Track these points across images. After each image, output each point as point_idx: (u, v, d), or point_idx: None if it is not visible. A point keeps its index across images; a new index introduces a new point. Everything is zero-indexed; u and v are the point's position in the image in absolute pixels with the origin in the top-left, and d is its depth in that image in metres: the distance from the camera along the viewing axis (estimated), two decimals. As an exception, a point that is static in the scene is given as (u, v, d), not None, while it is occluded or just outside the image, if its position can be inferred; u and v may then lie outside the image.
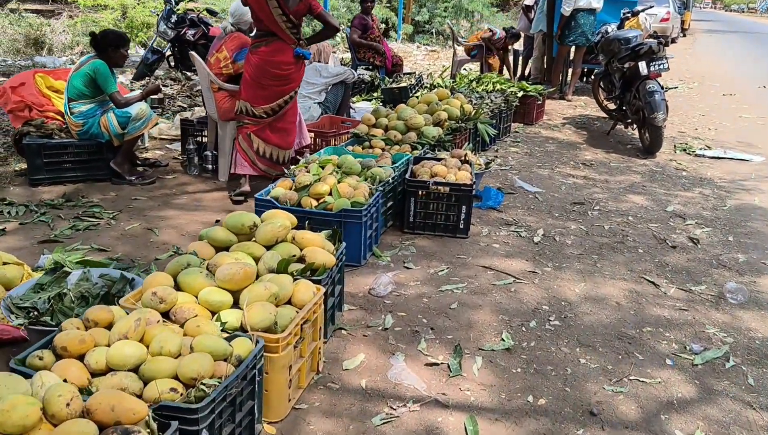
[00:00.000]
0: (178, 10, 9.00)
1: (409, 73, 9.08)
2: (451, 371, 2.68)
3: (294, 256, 2.74)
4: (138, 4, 15.04)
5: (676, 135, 7.60)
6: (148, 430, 1.68)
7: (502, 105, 6.83)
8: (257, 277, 2.63)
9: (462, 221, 4.11)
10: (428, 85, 8.01)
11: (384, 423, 2.35)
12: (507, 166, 5.94)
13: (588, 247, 4.12)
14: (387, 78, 8.56)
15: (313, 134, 5.47)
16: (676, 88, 10.11)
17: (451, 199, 4.08)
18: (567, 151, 6.67)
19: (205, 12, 9.50)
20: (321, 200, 3.66)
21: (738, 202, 5.20)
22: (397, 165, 4.42)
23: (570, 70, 9.96)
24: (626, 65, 6.67)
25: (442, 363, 2.74)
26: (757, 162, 6.54)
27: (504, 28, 10.06)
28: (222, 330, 2.23)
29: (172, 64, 9.59)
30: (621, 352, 2.90)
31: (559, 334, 3.03)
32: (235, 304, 2.40)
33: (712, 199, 5.24)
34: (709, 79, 12.75)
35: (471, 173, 4.34)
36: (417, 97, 7.12)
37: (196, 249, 2.73)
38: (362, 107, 8.03)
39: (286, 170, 4.20)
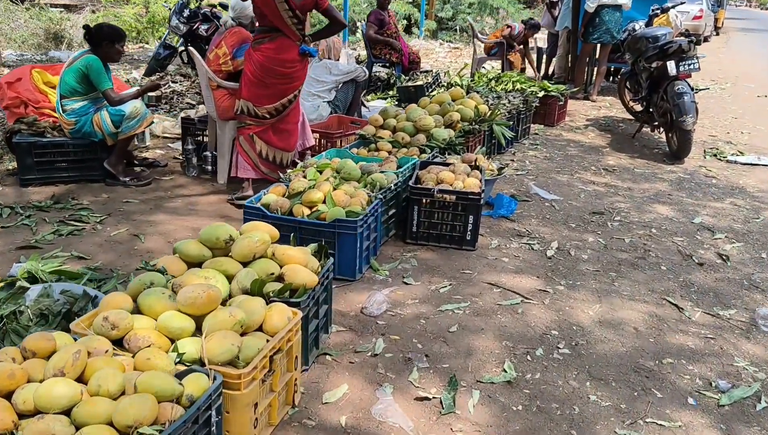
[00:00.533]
0: (192, 3, 8.81)
1: (426, 71, 8.78)
2: (443, 407, 2.39)
3: (272, 274, 2.48)
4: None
5: (706, 139, 7.19)
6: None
7: (521, 105, 6.49)
8: (229, 296, 2.38)
9: (469, 232, 3.81)
10: (445, 84, 7.71)
11: (362, 469, 2.08)
12: (523, 170, 5.61)
13: (605, 262, 3.79)
14: (403, 76, 8.28)
15: (318, 135, 5.21)
16: (707, 89, 9.62)
17: (458, 209, 3.78)
18: (589, 156, 6.32)
19: (218, 6, 9.29)
20: (314, 209, 3.39)
21: (772, 214, 4.82)
22: (401, 170, 4.14)
23: (595, 70, 9.55)
24: (654, 65, 6.28)
25: (434, 397, 2.45)
26: (793, 169, 6.12)
27: (522, 21, 9.70)
28: (179, 362, 1.98)
29: (185, 59, 9.40)
30: (637, 388, 2.59)
31: (568, 365, 2.72)
32: (199, 330, 2.15)
33: (744, 211, 4.86)
34: (743, 80, 12.21)
35: (481, 180, 4.04)
36: (429, 97, 6.85)
37: (165, 264, 2.49)
38: (377, 105, 7.75)
39: (281, 175, 3.94)
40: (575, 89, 8.81)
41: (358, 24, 10.24)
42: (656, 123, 6.56)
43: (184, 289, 2.16)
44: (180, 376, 1.85)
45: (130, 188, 4.63)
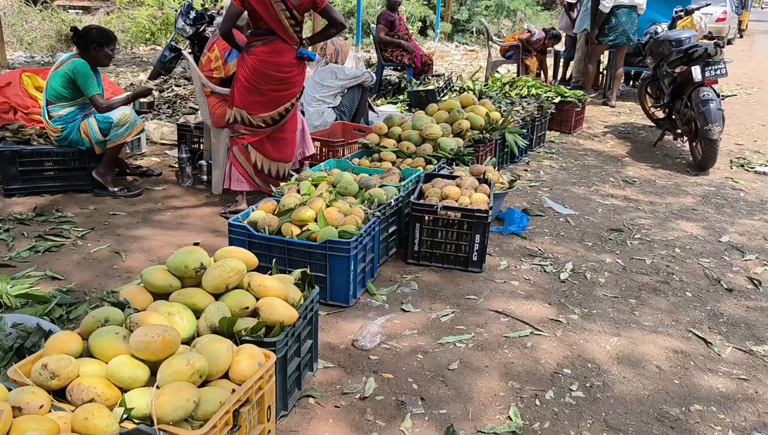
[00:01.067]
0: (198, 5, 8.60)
1: (438, 75, 8.48)
2: (437, 464, 2.10)
3: (246, 308, 2.20)
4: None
5: (732, 148, 6.81)
6: None
7: (536, 112, 6.17)
8: (197, 334, 2.11)
9: (475, 253, 3.51)
10: (457, 88, 7.41)
11: None
12: (537, 182, 5.29)
13: (625, 287, 3.47)
14: (414, 80, 7.99)
15: (319, 143, 4.94)
16: (734, 95, 9.20)
17: (463, 227, 3.48)
18: (607, 166, 5.98)
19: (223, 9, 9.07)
20: (304, 228, 3.11)
21: (807, 232, 4.45)
22: (404, 183, 3.85)
23: (607, 73, 9.23)
24: (677, 69, 5.93)
25: (427, 451, 2.16)
26: (827, 182, 5.73)
27: (544, 29, 9.35)
28: (127, 418, 1.71)
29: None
30: (661, 442, 2.28)
31: (582, 412, 2.41)
32: (156, 377, 1.87)
33: (775, 228, 4.51)
34: (770, 85, 11.77)
35: (489, 195, 3.73)
36: (441, 102, 6.55)
37: (129, 295, 2.22)
38: (386, 110, 7.47)
39: (273, 188, 3.66)
40: (593, 95, 8.47)
41: (372, 26, 9.96)
42: (679, 131, 6.20)
43: (137, 331, 1.88)
44: (123, 439, 1.58)
45: (119, 199, 4.39)
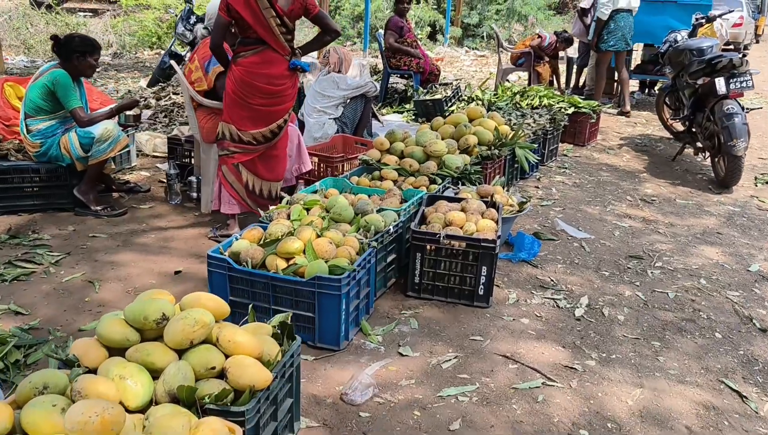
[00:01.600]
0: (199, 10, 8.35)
1: (446, 84, 8.17)
2: None
3: (212, 368, 1.90)
4: (182, 3, 14.62)
5: (755, 163, 6.45)
6: None
7: (548, 125, 5.84)
8: (152, 402, 1.81)
9: (482, 286, 3.19)
10: (466, 98, 7.09)
11: None
12: (549, 200, 4.97)
13: (647, 327, 3.14)
14: (421, 88, 7.69)
15: (317, 159, 4.64)
16: (760, 108, 8.79)
17: (468, 258, 3.17)
18: (624, 182, 5.64)
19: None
20: (291, 261, 2.81)
21: (843, 260, 4.11)
22: (405, 206, 3.54)
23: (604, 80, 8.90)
24: (699, 81, 5.59)
25: None
26: None
27: (555, 32, 9.03)
28: None
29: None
30: None
31: (602, 487, 2.09)
32: (97, 461, 1.58)
33: (808, 255, 4.17)
34: (790, 93, 11.35)
35: (497, 221, 3.42)
36: (448, 112, 6.26)
37: (79, 352, 1.93)
38: (392, 120, 7.19)
39: (261, 213, 3.36)
40: (609, 104, 8.14)
41: (379, 31, 9.67)
42: (700, 145, 5.86)
43: (74, 407, 1.58)
44: None
45: (102, 219, 4.11)
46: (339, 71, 5.95)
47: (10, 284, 3.20)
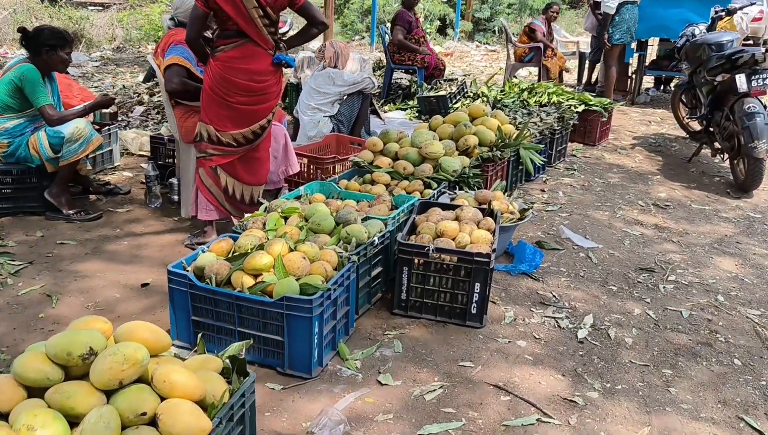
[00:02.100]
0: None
1: (451, 80, 7.86)
2: None
3: (143, 414, 1.63)
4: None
5: (777, 164, 6.08)
6: None
7: (556, 124, 5.52)
8: (69, 456, 1.54)
9: (474, 304, 2.89)
10: (471, 95, 6.78)
11: None
12: (555, 205, 4.65)
13: (657, 351, 2.83)
14: (425, 84, 7.38)
15: (306, 160, 4.36)
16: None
17: (460, 273, 2.87)
18: (635, 185, 5.31)
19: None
20: (259, 278, 2.53)
21: None
22: (395, 214, 3.25)
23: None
24: (718, 78, 5.24)
25: None
26: None
27: (542, 12, 8.85)
28: None
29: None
30: None
31: None
32: None
33: (836, 269, 3.82)
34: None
35: (494, 232, 3.12)
36: (448, 111, 5.95)
37: (-8, 392, 1.66)
38: (394, 117, 6.90)
39: (235, 221, 3.09)
40: (622, 102, 7.80)
41: (383, 26, 9.37)
42: (718, 146, 5.51)
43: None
44: None
45: (74, 224, 3.86)
46: (335, 66, 5.66)
47: (-39, 297, 2.96)
